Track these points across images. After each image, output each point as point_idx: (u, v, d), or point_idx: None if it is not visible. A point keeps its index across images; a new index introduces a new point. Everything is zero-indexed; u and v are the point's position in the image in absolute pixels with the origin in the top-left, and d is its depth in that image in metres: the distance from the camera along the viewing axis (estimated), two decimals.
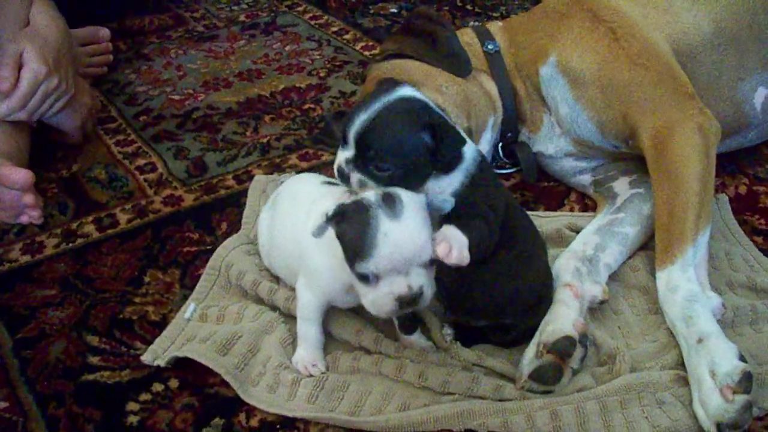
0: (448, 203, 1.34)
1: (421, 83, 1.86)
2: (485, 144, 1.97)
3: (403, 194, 1.26)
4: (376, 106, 1.31)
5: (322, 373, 1.47)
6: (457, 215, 1.33)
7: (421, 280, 1.24)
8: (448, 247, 1.22)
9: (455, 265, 1.23)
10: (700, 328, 1.45)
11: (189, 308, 1.63)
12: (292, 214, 1.54)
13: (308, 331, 1.49)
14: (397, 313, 1.30)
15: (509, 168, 2.08)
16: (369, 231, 1.20)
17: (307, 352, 1.49)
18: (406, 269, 1.23)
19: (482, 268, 1.37)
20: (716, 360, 1.37)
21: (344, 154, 1.34)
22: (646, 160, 1.71)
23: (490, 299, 1.44)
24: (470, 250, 1.24)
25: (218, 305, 1.64)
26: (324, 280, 1.43)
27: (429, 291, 1.27)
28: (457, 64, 1.93)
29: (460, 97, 1.89)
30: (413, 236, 1.23)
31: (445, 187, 1.34)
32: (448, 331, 1.53)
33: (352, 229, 1.23)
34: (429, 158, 1.30)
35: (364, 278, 1.26)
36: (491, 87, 1.98)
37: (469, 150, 1.37)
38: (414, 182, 1.32)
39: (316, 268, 1.44)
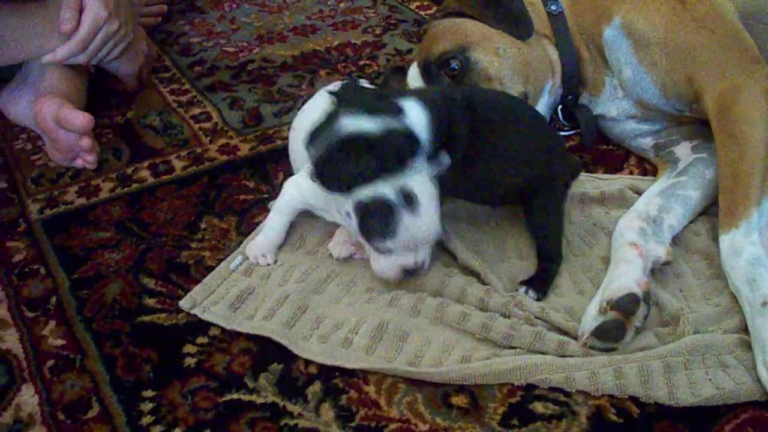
0: (446, 158, 1.45)
1: (478, 45, 1.85)
2: (542, 108, 1.94)
3: (417, 188, 1.39)
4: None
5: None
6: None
7: (425, 255, 1.47)
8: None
9: None
10: (764, 291, 1.42)
11: (236, 260, 1.62)
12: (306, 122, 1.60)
13: (275, 223, 1.63)
14: (398, 279, 1.48)
15: (568, 131, 2.05)
16: (392, 223, 1.38)
17: (263, 241, 1.62)
18: (416, 247, 1.44)
19: (473, 167, 1.49)
20: None
21: None
22: (711, 124, 1.68)
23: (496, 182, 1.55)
24: None
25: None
26: (312, 187, 1.50)
27: (428, 260, 1.49)
28: (519, 27, 1.89)
29: (518, 61, 1.86)
30: (428, 227, 1.41)
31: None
32: (520, 290, 1.53)
33: (376, 221, 1.40)
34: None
35: (378, 249, 1.44)
36: (552, 51, 1.94)
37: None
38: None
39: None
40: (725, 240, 1.53)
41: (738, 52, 1.72)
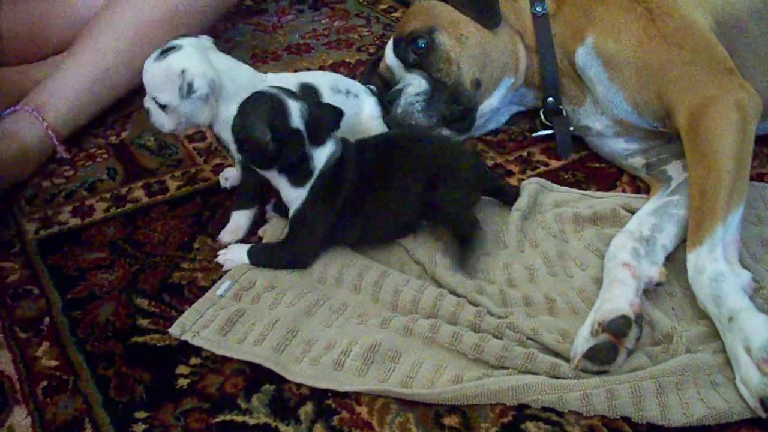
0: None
1: (445, 29, 2.00)
2: (495, 99, 2.05)
3: (181, 51, 1.67)
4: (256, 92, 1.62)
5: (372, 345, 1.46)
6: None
7: (149, 106, 1.72)
8: (224, 259, 1.68)
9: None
10: (729, 306, 1.43)
11: (224, 285, 1.62)
12: None
13: None
14: (161, 125, 1.74)
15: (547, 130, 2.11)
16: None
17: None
18: (151, 96, 1.71)
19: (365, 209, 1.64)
20: (749, 335, 1.36)
21: None
22: (682, 140, 1.69)
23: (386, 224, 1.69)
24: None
25: (254, 286, 1.62)
26: None
27: (160, 120, 1.73)
28: (486, 16, 2.01)
29: (477, 49, 1.99)
30: (148, 72, 1.68)
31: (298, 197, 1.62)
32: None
33: None
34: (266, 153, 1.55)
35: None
36: (521, 49, 2.04)
37: (319, 164, 1.61)
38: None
39: None
40: (690, 259, 1.53)
41: (708, 65, 1.73)
